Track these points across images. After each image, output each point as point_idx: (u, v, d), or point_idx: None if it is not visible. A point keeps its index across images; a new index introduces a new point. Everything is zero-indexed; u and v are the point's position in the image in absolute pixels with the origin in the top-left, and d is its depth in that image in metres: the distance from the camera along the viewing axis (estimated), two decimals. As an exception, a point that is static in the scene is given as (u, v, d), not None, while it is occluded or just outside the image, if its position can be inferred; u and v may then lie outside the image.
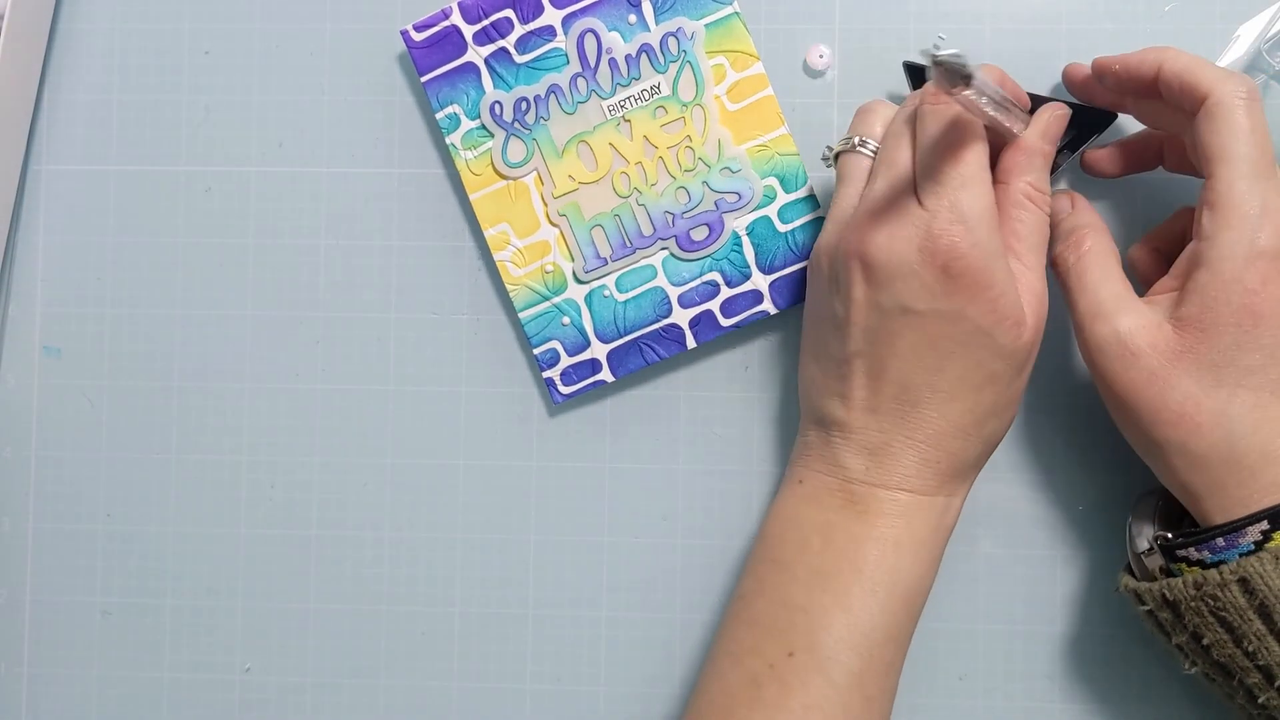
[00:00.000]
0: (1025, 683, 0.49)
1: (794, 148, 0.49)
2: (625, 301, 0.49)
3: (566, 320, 0.49)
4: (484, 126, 0.49)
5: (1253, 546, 0.39)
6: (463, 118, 0.49)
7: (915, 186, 0.41)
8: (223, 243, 0.52)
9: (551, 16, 0.49)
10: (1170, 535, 0.42)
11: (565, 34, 0.49)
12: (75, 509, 0.52)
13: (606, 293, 0.49)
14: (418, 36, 0.49)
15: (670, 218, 0.49)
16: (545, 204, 0.49)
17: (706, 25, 0.49)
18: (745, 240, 0.49)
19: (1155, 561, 0.43)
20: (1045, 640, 0.49)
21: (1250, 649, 0.39)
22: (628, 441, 0.51)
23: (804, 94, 0.50)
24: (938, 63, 0.34)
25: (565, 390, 0.50)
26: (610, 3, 0.49)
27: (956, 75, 0.35)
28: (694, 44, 0.49)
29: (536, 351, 0.50)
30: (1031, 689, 0.49)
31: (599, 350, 0.49)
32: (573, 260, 0.49)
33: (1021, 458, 0.49)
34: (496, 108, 0.49)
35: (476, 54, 0.49)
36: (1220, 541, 0.40)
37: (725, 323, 0.49)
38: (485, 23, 0.49)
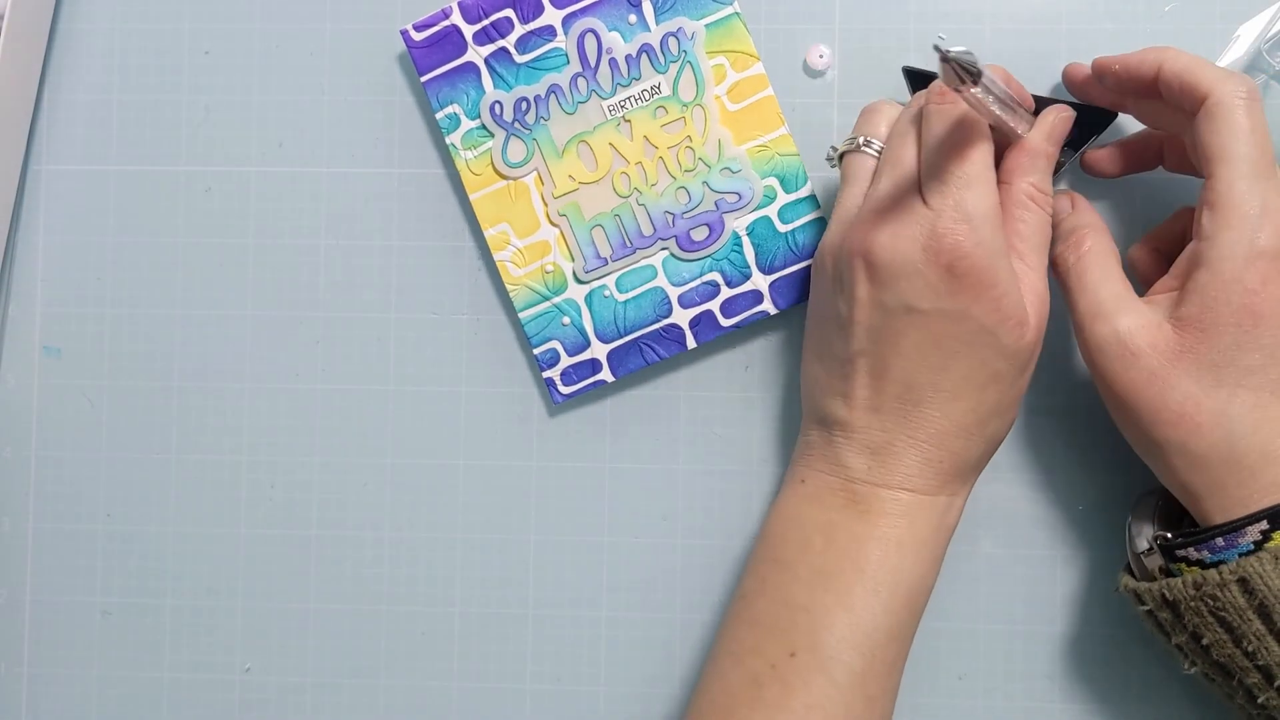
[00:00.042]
0: (1025, 683, 0.49)
1: (794, 148, 0.49)
2: (625, 301, 0.49)
3: (566, 320, 0.49)
4: (484, 126, 0.49)
5: (1252, 546, 0.39)
6: (463, 118, 0.49)
7: (920, 186, 0.41)
8: (223, 243, 0.52)
9: (551, 16, 0.49)
10: (1170, 535, 0.42)
11: (565, 34, 0.49)
12: (75, 509, 0.52)
13: (606, 293, 0.49)
14: (418, 36, 0.49)
15: (670, 218, 0.49)
16: (545, 204, 0.49)
17: (707, 25, 0.49)
18: (745, 240, 0.49)
19: (1155, 561, 0.43)
20: (1045, 640, 0.49)
21: (1250, 649, 0.39)
22: (628, 441, 0.51)
23: (804, 94, 0.50)
24: (946, 59, 0.34)
25: (565, 390, 0.50)
26: (610, 3, 0.49)
27: (965, 72, 0.35)
28: (694, 44, 0.49)
29: (536, 351, 0.50)
30: (1031, 689, 0.49)
31: (599, 350, 0.49)
32: (573, 260, 0.49)
33: (1021, 458, 0.49)
34: (496, 108, 0.49)
35: (476, 54, 0.49)
36: (1220, 541, 0.40)
37: (725, 323, 0.49)
38: (485, 23, 0.49)
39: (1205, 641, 0.41)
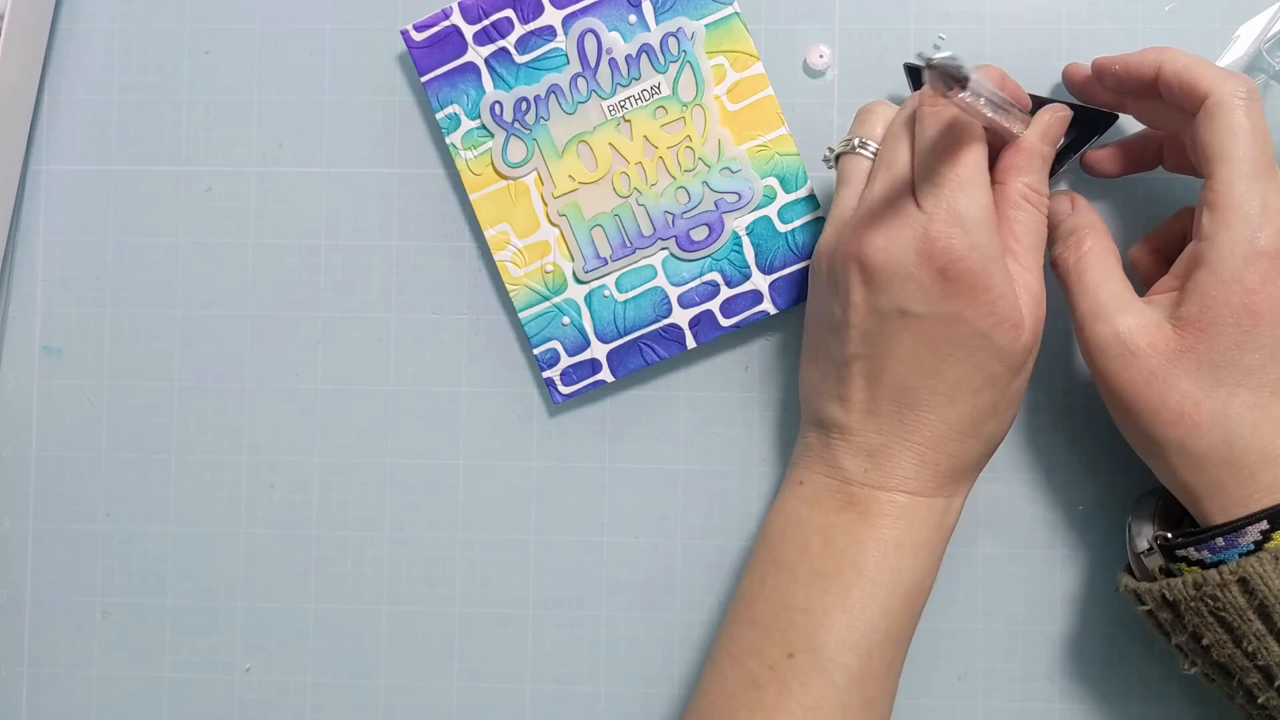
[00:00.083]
0: (1025, 683, 0.49)
1: (794, 148, 0.49)
2: (625, 301, 0.49)
3: (566, 320, 0.49)
4: (484, 126, 0.49)
5: (1252, 546, 0.39)
6: (463, 118, 0.49)
7: (914, 189, 0.41)
8: (223, 243, 0.52)
9: (551, 16, 0.49)
10: (1170, 535, 0.42)
11: (565, 34, 0.49)
12: (75, 509, 0.52)
13: (606, 293, 0.49)
14: (418, 36, 0.49)
15: (670, 218, 0.49)
16: (545, 204, 0.49)
17: (706, 25, 0.49)
18: (745, 240, 0.49)
19: (1155, 561, 0.43)
20: (1045, 640, 0.49)
21: (1250, 649, 0.39)
22: (628, 441, 0.51)
23: (804, 94, 0.50)
24: (932, 66, 0.34)
25: (565, 390, 0.50)
26: (610, 3, 0.49)
27: (951, 78, 0.35)
28: (694, 44, 0.49)
29: (536, 351, 0.50)
30: (1031, 689, 0.49)
31: (599, 350, 0.49)
32: (573, 260, 0.49)
33: (1021, 458, 0.49)
34: (496, 108, 0.49)
35: (477, 54, 0.49)
36: (1220, 541, 0.40)
37: (725, 323, 0.49)
38: (485, 23, 0.49)
39: (1205, 642, 0.41)
